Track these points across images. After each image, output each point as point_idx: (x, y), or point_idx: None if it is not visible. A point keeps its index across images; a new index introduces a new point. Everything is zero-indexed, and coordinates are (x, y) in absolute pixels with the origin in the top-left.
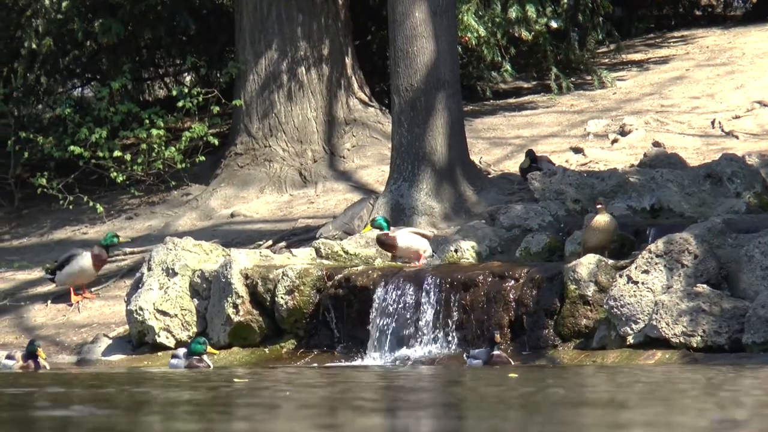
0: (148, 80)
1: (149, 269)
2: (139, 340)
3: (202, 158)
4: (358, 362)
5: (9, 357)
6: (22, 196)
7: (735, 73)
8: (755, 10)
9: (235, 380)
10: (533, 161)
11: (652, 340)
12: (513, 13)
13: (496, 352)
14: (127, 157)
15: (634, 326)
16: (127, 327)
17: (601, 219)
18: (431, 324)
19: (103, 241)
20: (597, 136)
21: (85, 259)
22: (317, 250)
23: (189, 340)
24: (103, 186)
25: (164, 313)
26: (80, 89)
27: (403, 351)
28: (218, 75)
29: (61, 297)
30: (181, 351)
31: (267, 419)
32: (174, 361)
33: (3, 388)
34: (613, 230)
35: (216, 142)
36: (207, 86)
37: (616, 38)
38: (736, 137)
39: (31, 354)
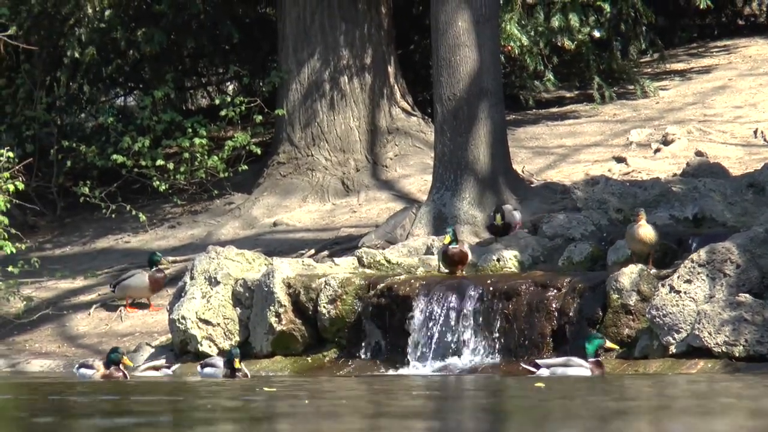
0: (191, 89)
1: (192, 278)
2: (181, 349)
3: (245, 167)
4: (400, 371)
5: (85, 366)
6: (64, 205)
7: None
8: None
9: (265, 389)
10: (504, 217)
11: (695, 350)
12: (556, 22)
13: (594, 360)
14: (170, 165)
15: (676, 336)
16: (169, 336)
17: (641, 230)
18: (473, 333)
19: (150, 266)
20: (640, 146)
21: (142, 279)
22: (359, 259)
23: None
24: (145, 195)
25: (207, 322)
26: (123, 98)
27: (446, 360)
28: (261, 84)
29: (104, 305)
30: (218, 360)
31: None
32: (209, 370)
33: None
34: (652, 240)
35: (259, 151)
36: (250, 95)
37: (659, 47)
38: None
39: (113, 362)
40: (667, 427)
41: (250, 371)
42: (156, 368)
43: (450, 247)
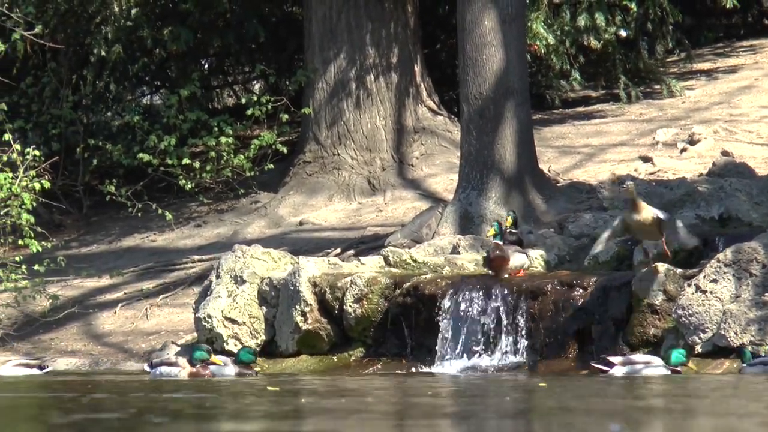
0: (217, 88)
1: (218, 277)
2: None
3: (271, 166)
4: (425, 370)
5: (167, 363)
6: (90, 204)
7: None
8: None
9: (269, 388)
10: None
11: (720, 350)
12: (582, 21)
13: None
14: (196, 164)
15: (702, 335)
16: (195, 334)
17: (638, 216)
18: (499, 333)
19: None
20: (666, 145)
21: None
22: (386, 259)
23: (257, 348)
24: (171, 193)
25: (232, 321)
26: (149, 97)
27: (471, 359)
28: (287, 83)
29: (129, 304)
30: (224, 358)
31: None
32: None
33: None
34: (651, 224)
35: (285, 149)
36: (276, 94)
37: (686, 47)
38: None
39: (199, 359)
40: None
41: (276, 370)
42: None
43: (491, 249)
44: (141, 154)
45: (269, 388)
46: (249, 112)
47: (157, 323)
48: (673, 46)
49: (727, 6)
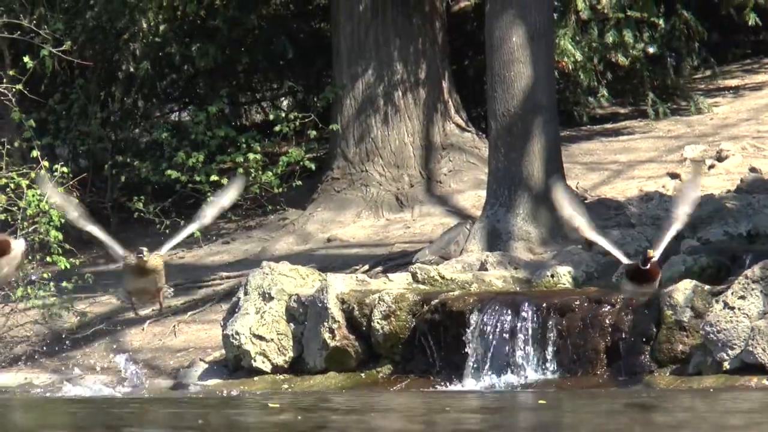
0: (245, 104)
1: (246, 294)
2: (235, 364)
3: (299, 183)
4: (453, 388)
5: None
6: (118, 220)
7: None
8: None
9: (270, 405)
10: None
11: (748, 366)
12: (610, 38)
13: None
14: (224, 181)
15: (730, 352)
16: (223, 351)
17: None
18: (527, 349)
19: None
20: (694, 162)
21: None
22: (414, 275)
23: (285, 365)
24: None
25: (260, 338)
26: (177, 113)
27: (499, 376)
28: (315, 99)
29: (157, 321)
30: None
31: None
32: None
33: None
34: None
35: (313, 166)
36: (304, 110)
37: (712, 64)
38: None
39: None
40: None
41: (303, 387)
42: None
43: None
44: (169, 171)
45: (270, 405)
46: (277, 128)
47: (185, 340)
48: (700, 62)
49: (750, 23)
